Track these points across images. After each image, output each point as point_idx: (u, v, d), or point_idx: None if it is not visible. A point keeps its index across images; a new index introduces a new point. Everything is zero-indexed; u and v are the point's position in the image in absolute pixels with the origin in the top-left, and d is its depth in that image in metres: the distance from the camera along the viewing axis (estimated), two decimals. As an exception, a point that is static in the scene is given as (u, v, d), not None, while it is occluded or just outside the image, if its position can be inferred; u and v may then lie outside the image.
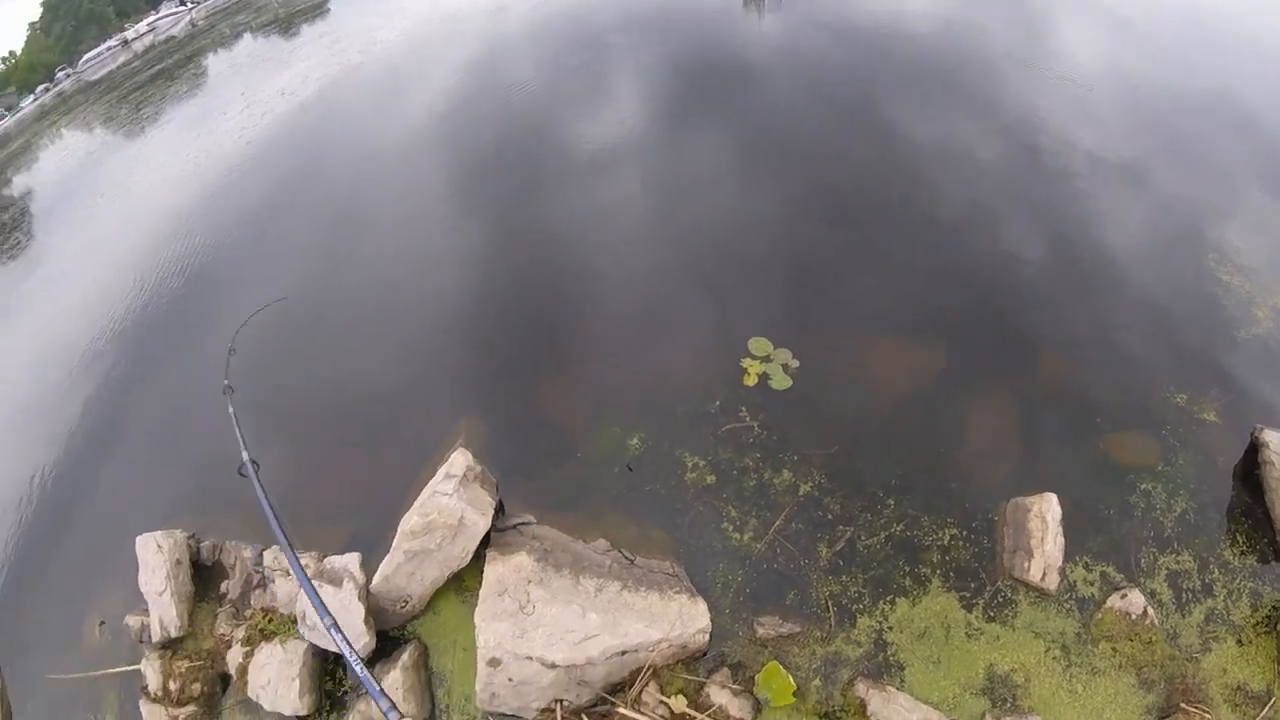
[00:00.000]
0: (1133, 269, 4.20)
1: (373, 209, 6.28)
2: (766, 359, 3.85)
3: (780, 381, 3.74)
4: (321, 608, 1.37)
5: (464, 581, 3.22)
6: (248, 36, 19.55)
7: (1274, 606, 2.92)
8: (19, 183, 16.09)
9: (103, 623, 3.98)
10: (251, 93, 11.39)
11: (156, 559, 3.68)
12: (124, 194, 10.01)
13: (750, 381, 3.76)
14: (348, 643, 1.88)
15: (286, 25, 18.17)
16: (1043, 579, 2.94)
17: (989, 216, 4.84)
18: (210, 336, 5.27)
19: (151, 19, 43.53)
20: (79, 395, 5.65)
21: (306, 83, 10.65)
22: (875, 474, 3.37)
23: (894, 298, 4.26)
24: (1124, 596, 2.91)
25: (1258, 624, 2.88)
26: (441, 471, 3.26)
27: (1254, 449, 3.36)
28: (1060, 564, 2.97)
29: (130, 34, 42.13)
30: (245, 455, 3.09)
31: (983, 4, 8.28)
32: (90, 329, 6.39)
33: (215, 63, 17.94)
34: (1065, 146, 5.34)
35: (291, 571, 1.65)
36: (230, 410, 3.53)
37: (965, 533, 3.17)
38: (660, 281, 4.62)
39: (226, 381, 3.95)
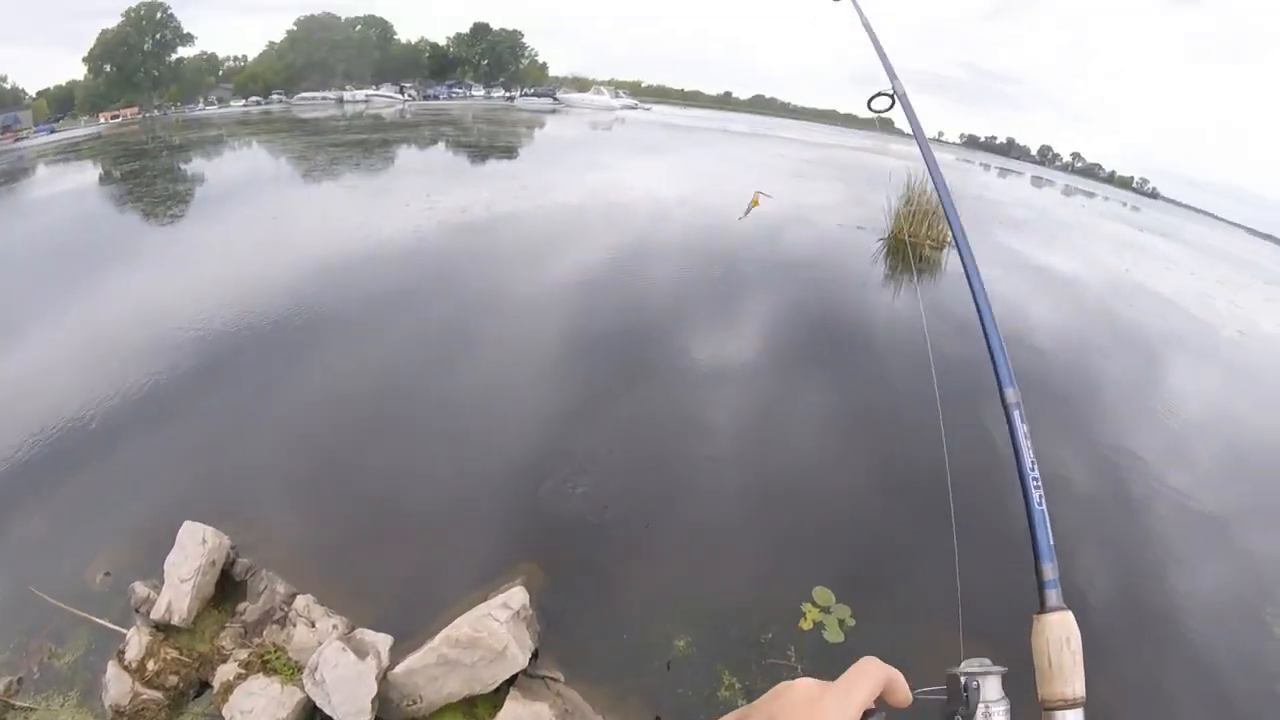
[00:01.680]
0: (1195, 618, 4.29)
1: (494, 342, 6.74)
2: (826, 610, 3.90)
3: (834, 635, 3.76)
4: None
5: (475, 708, 3.18)
6: (446, 147, 21.45)
7: None
8: (193, 168, 17.35)
9: (108, 574, 4.00)
10: (435, 195, 12.59)
11: (196, 550, 3.75)
12: (286, 224, 10.74)
13: (806, 626, 3.79)
14: None
15: (484, 154, 20.03)
16: None
17: (1068, 547, 4.94)
18: (342, 378, 5.59)
19: (370, 92, 49.20)
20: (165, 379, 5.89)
21: (488, 210, 11.93)
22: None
23: (951, 592, 4.30)
24: None
25: None
26: (500, 599, 3.33)
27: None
28: None
29: (347, 95, 47.56)
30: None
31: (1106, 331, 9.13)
32: (205, 331, 6.70)
33: (411, 156, 19.67)
34: (1157, 486, 5.60)
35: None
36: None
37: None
38: (751, 511, 4.86)
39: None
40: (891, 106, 1.86)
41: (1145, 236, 29.63)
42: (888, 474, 5.47)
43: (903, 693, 0.64)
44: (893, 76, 1.91)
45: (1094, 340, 10.31)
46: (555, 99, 52.77)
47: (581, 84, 61.37)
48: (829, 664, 3.61)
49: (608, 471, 4.96)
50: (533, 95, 56.25)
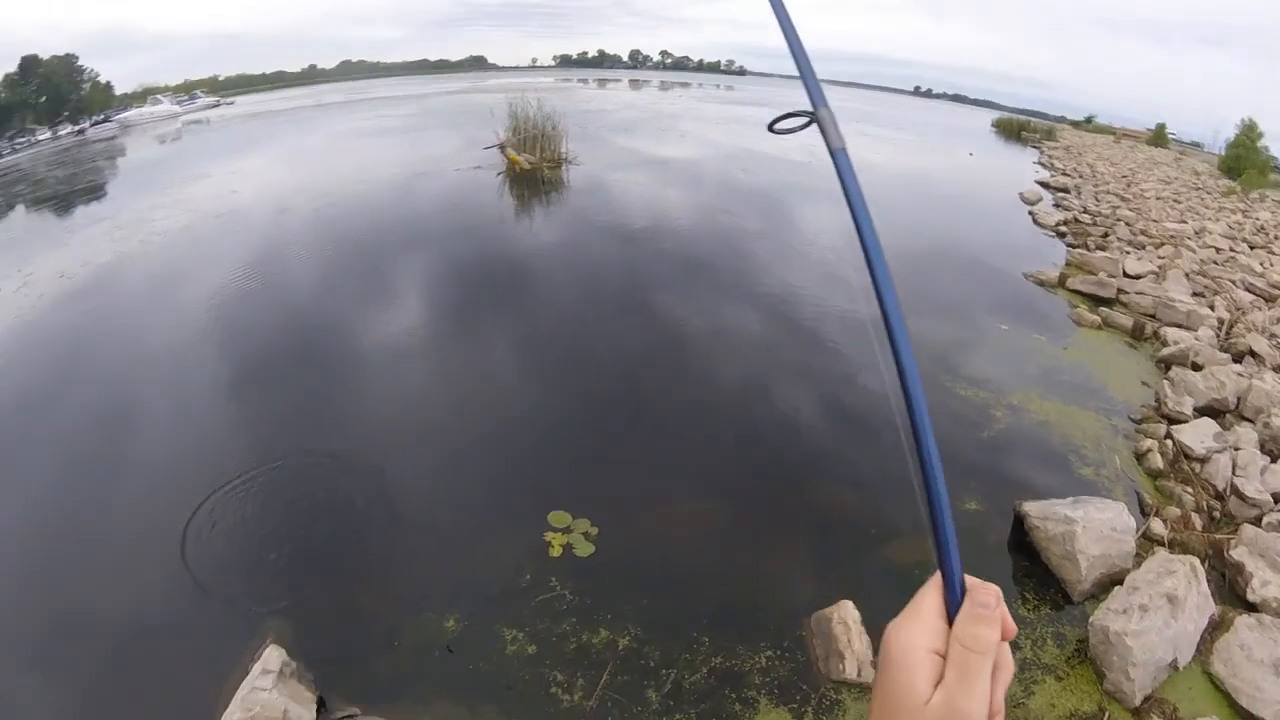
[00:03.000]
0: (883, 400, 5.30)
1: (140, 409, 5.88)
2: (568, 530, 4.30)
3: (584, 549, 4.17)
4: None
5: (289, 788, 3.00)
6: (25, 209, 17.44)
7: (1079, 640, 3.61)
8: None
9: None
10: (28, 267, 10.33)
11: None
12: None
13: (556, 553, 4.14)
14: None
15: (67, 202, 16.71)
16: (859, 674, 3.39)
17: (752, 387, 6.06)
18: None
19: (-83, 172, 37.10)
20: None
21: (88, 265, 10.14)
22: (686, 617, 3.79)
23: (676, 462, 5.10)
24: (936, 670, 3.33)
25: (1070, 657, 3.54)
26: (257, 668, 3.13)
27: (1019, 520, 4.24)
28: (871, 658, 3.41)
29: (-110, 184, 35.09)
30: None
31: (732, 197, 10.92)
32: None
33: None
34: (821, 313, 6.95)
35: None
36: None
37: (780, 652, 3.59)
38: (459, 469, 5.03)
39: None
40: (808, 124, 0.91)
41: (744, 109, 34.41)
42: (566, 393, 6.04)
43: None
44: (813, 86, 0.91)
45: (727, 205, 12.28)
46: (111, 122, 45.52)
47: (151, 95, 54.00)
48: (590, 577, 3.99)
49: (307, 485, 4.77)
50: (103, 122, 48.19)
